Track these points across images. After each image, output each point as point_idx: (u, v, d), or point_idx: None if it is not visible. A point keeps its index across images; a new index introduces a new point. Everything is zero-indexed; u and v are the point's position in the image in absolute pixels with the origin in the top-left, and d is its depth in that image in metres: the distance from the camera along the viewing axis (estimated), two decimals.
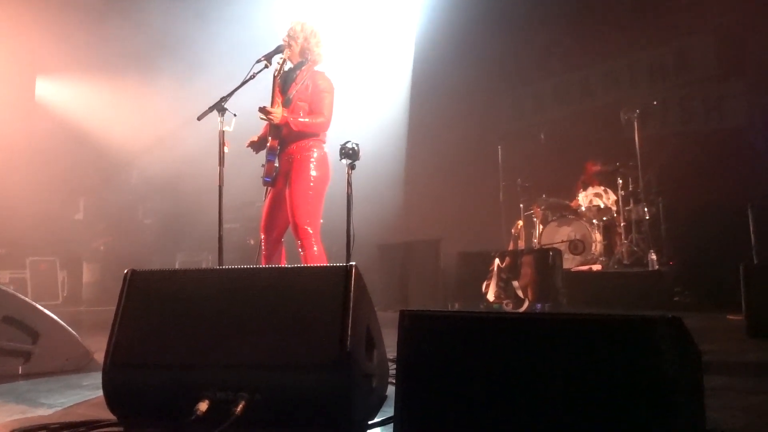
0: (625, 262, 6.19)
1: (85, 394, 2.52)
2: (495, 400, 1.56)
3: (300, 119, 3.56)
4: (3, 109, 8.15)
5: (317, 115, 3.60)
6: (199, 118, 3.32)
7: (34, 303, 3.10)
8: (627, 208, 6.46)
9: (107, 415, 1.98)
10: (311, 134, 3.61)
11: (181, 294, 2.02)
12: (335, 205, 3.80)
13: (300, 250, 3.56)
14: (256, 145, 3.79)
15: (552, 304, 5.25)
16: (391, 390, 2.25)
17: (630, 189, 6.50)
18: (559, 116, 8.31)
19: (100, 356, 3.02)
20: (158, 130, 8.47)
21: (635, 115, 6.41)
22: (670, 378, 1.43)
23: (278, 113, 3.50)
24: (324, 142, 3.73)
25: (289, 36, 3.70)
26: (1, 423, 2.05)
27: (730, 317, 4.69)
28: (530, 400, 1.53)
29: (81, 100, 9.02)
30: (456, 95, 8.24)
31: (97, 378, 2.51)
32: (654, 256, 5.76)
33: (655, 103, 6.93)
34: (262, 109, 3.51)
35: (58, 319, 3.11)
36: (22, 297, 3.11)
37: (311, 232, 3.54)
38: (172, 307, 1.99)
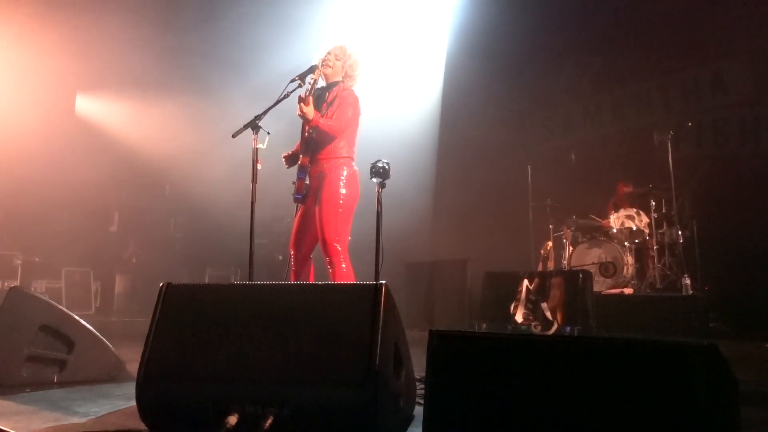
0: (658, 286, 6.06)
1: (117, 403, 2.57)
2: (522, 423, 1.55)
3: (327, 121, 3.61)
4: (44, 124, 8.45)
5: (337, 119, 3.65)
6: (234, 136, 3.40)
7: (70, 312, 3.18)
8: (660, 230, 6.33)
9: (139, 424, 2.01)
10: (331, 135, 3.64)
11: (213, 308, 2.06)
12: (363, 222, 3.83)
13: (328, 266, 3.58)
14: (290, 159, 3.84)
15: (581, 328, 5.16)
16: (418, 410, 2.24)
17: (663, 211, 6.38)
18: (590, 137, 8.24)
19: (131, 366, 3.10)
20: (192, 146, 8.67)
21: (669, 136, 6.31)
22: (705, 407, 1.40)
23: (311, 112, 3.54)
24: (353, 160, 3.77)
25: (334, 56, 3.77)
26: (36, 430, 2.11)
27: None
28: (558, 424, 1.51)
29: (118, 116, 9.31)
30: (486, 115, 8.25)
31: (128, 388, 2.56)
32: (688, 281, 5.62)
33: (690, 124, 6.82)
34: (301, 99, 3.52)
35: (93, 329, 3.18)
36: (59, 306, 3.19)
37: (340, 249, 3.57)
38: (205, 321, 2.03)
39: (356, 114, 3.74)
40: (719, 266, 6.10)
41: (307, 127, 3.72)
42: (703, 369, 1.39)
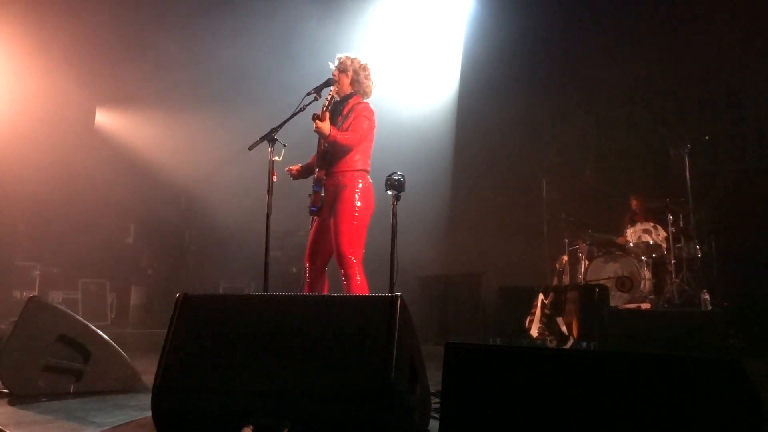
0: (676, 301, 5.96)
1: (132, 414, 2.58)
2: None
3: (344, 134, 3.63)
4: (64, 138, 8.60)
5: (353, 132, 3.66)
6: (250, 148, 3.43)
7: (87, 323, 3.20)
8: (678, 245, 6.24)
9: None
10: (349, 148, 3.65)
11: (230, 319, 2.06)
12: (378, 234, 3.82)
13: (343, 279, 3.59)
14: (297, 173, 3.86)
15: (597, 343, 5.08)
16: (433, 424, 2.22)
17: (681, 226, 6.30)
18: (605, 151, 8.19)
19: (146, 378, 3.11)
20: (208, 159, 8.76)
21: (686, 150, 6.25)
22: (728, 426, 1.37)
23: (327, 128, 3.56)
24: (368, 173, 3.78)
25: (339, 69, 3.81)
26: None
27: None
28: None
29: (136, 130, 9.45)
30: (501, 129, 8.25)
31: (144, 399, 2.58)
32: (707, 296, 5.53)
33: (707, 138, 6.75)
34: (316, 116, 3.55)
35: (110, 340, 3.20)
36: (77, 317, 3.22)
37: (355, 261, 3.57)
38: (221, 332, 2.03)
39: (372, 126, 3.76)
40: (738, 282, 6.00)
41: (322, 141, 3.75)
42: (727, 386, 1.37)
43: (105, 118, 9.64)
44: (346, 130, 3.68)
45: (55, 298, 7.94)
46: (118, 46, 8.40)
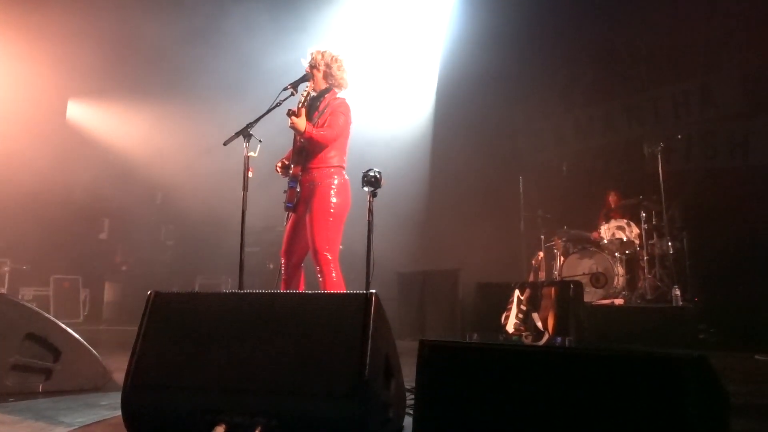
0: (648, 297, 6.07)
1: (103, 413, 2.54)
2: None
3: (319, 131, 3.61)
4: (35, 130, 8.40)
5: (329, 128, 3.64)
6: (225, 143, 3.39)
7: (57, 321, 3.14)
8: (650, 242, 6.36)
9: None
10: (325, 144, 3.63)
11: (202, 317, 2.04)
12: (355, 231, 3.81)
13: (319, 275, 3.57)
14: (284, 169, 3.84)
15: (572, 338, 5.15)
16: (408, 421, 2.22)
17: (654, 223, 6.42)
18: (581, 149, 8.29)
19: (118, 376, 3.06)
20: (184, 154, 8.64)
21: (659, 148, 6.36)
22: (695, 419, 1.39)
23: (302, 124, 3.53)
24: (344, 169, 3.77)
25: (310, 65, 3.78)
26: None
27: (759, 357, 4.56)
28: None
29: (110, 123, 9.27)
30: (479, 126, 8.28)
31: (115, 398, 2.53)
32: (678, 292, 5.64)
33: (679, 137, 6.87)
34: (291, 112, 3.52)
35: (80, 338, 3.14)
36: (46, 315, 3.15)
37: (330, 258, 3.55)
38: (193, 330, 2.01)
39: (348, 122, 3.74)
40: (709, 278, 6.13)
41: (298, 137, 3.72)
42: (694, 380, 1.39)
43: (77, 111, 9.44)
44: (322, 126, 3.66)
45: (26, 294, 7.78)
46: (91, 37, 8.22)
